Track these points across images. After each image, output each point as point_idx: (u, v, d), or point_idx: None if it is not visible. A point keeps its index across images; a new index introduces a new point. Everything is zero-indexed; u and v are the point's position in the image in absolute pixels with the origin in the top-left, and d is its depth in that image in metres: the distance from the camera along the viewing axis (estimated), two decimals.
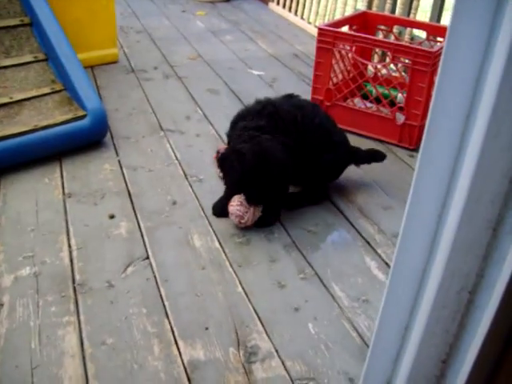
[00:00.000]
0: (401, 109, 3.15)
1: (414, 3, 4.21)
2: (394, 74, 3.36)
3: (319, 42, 3.28)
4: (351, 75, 3.42)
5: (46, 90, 3.08)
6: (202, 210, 2.56)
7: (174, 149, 3.08)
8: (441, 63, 0.84)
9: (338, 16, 5.09)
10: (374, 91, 3.29)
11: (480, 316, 0.89)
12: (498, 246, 0.83)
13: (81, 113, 2.95)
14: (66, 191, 2.66)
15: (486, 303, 0.88)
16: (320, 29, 3.28)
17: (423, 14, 5.44)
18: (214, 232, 2.42)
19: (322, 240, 2.41)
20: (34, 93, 3.04)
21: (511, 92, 0.75)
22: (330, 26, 3.34)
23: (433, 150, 0.84)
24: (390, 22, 3.73)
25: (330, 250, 2.35)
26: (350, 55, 3.36)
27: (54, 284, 2.11)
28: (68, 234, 2.37)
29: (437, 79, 0.84)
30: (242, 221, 2.38)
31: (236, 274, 2.19)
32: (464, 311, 0.92)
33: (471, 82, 0.80)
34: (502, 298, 0.84)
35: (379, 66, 3.40)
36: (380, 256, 2.33)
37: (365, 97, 3.35)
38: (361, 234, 2.46)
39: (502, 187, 0.79)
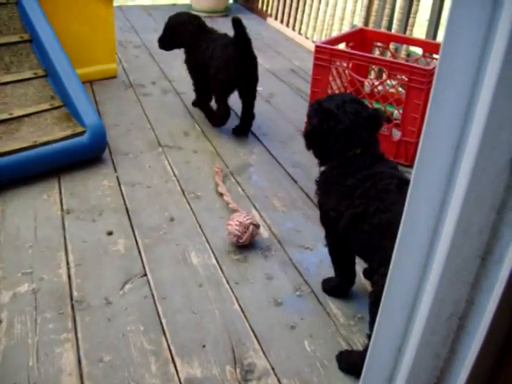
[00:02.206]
0: (397, 125, 3.18)
1: (410, 20, 4.26)
2: (390, 90, 3.40)
3: (316, 59, 3.32)
4: (348, 92, 3.45)
5: (46, 106, 3.10)
6: (200, 226, 2.58)
7: (172, 165, 3.10)
8: (432, 92, 0.86)
9: (335, 31, 5.14)
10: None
11: (470, 342, 0.91)
12: (488, 274, 0.86)
13: (80, 129, 2.97)
14: (65, 207, 2.68)
15: (476, 329, 0.90)
16: (317, 46, 3.32)
17: (419, 28, 5.49)
18: (211, 249, 2.44)
19: (318, 257, 2.43)
20: (33, 109, 3.06)
21: (499, 128, 0.77)
22: (326, 43, 3.38)
23: (423, 181, 0.86)
24: (387, 38, 3.77)
25: (326, 268, 2.36)
26: (346, 72, 3.40)
27: (52, 301, 2.12)
28: (66, 251, 2.39)
29: (428, 109, 0.86)
30: (240, 240, 2.40)
31: (233, 292, 2.21)
32: (454, 337, 0.94)
33: (460, 115, 0.83)
34: (492, 325, 0.86)
35: (376, 83, 3.43)
36: None
37: None
38: None
39: (489, 218, 0.82)
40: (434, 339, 0.95)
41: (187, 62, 3.56)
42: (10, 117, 2.98)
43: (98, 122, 3.01)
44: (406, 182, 1.85)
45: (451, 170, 0.84)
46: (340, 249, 2.11)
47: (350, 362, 1.90)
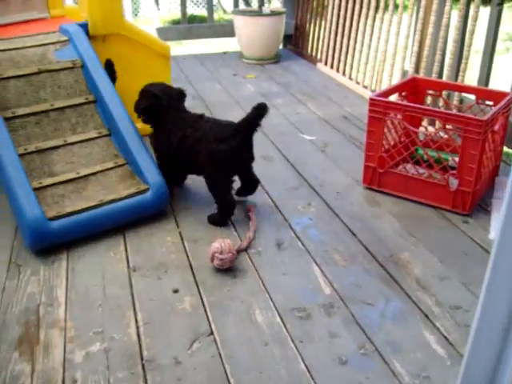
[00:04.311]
0: (453, 174, 3.19)
1: (462, 66, 4.28)
2: (444, 136, 3.41)
3: (371, 111, 3.37)
4: (403, 142, 3.49)
5: (110, 164, 3.23)
6: (262, 283, 2.63)
7: (232, 219, 3.17)
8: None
9: (385, 75, 5.20)
10: (425, 157, 3.36)
11: None
12: None
13: (143, 187, 3.08)
14: (131, 265, 2.77)
15: None
16: (371, 99, 3.37)
17: (469, 71, 5.49)
18: (275, 306, 2.48)
19: (380, 313, 2.45)
20: (98, 168, 3.19)
21: None
22: (380, 95, 3.43)
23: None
24: (439, 87, 3.82)
25: (389, 324, 2.39)
26: (401, 123, 3.44)
27: (124, 360, 2.19)
28: (134, 309, 2.47)
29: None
30: (221, 256, 2.67)
31: (298, 350, 2.24)
32: None
33: None
34: None
35: (431, 131, 3.46)
36: (438, 329, 2.35)
37: (417, 162, 3.42)
38: (418, 307, 2.49)
39: None
40: None
41: None
42: (77, 176, 3.12)
43: (160, 180, 3.12)
44: (204, 119, 3.29)
45: None
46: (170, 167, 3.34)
47: None
